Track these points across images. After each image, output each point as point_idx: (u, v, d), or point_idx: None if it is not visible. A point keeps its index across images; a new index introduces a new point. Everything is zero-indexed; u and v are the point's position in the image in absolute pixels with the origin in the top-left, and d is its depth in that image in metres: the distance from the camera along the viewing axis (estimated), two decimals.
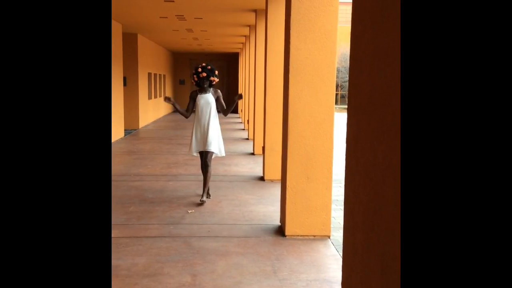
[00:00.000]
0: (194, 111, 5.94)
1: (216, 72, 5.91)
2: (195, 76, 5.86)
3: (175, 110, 5.93)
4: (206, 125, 5.77)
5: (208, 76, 5.81)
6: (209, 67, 5.86)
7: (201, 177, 6.22)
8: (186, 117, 5.95)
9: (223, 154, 5.99)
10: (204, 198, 5.79)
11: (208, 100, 5.81)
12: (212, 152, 5.81)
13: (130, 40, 14.01)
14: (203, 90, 5.87)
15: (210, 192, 6.20)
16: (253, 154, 9.73)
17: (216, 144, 5.80)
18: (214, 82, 5.89)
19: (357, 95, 2.00)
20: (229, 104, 6.04)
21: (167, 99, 5.86)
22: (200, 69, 5.81)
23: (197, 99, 5.84)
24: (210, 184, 6.30)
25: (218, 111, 6.01)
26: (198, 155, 5.95)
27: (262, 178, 7.36)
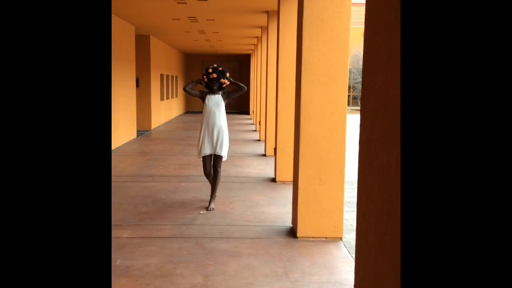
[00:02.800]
0: (201, 112, 5.70)
1: (228, 75, 5.65)
2: (205, 77, 5.58)
3: (193, 83, 5.70)
4: (215, 127, 5.50)
5: (218, 78, 5.53)
6: (220, 68, 5.61)
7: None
8: (183, 88, 5.66)
9: (225, 158, 5.71)
10: (213, 206, 5.59)
11: (217, 102, 5.56)
12: (221, 156, 5.56)
13: (143, 42, 14.11)
14: (213, 92, 5.61)
15: (219, 194, 6.03)
16: (264, 155, 9.73)
17: (226, 148, 5.57)
18: (224, 85, 5.62)
19: (371, 96, 1.99)
20: (234, 86, 5.72)
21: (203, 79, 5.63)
22: (210, 70, 5.55)
23: (206, 100, 5.57)
24: (221, 185, 6.13)
25: (229, 112, 5.89)
26: (201, 158, 5.64)
27: (273, 180, 7.35)
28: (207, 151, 5.53)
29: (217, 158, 5.59)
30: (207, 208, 5.56)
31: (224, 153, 5.54)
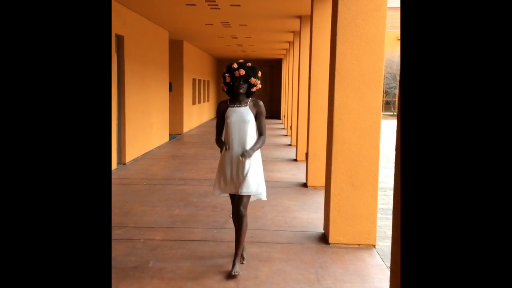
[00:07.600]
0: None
1: (259, 74, 3.89)
2: (227, 75, 3.79)
3: (218, 127, 3.97)
4: (241, 155, 3.74)
5: (247, 75, 3.77)
6: (249, 64, 3.85)
7: None
8: (216, 141, 3.94)
9: (265, 198, 3.97)
10: (237, 269, 3.72)
11: (244, 117, 3.77)
12: (248, 196, 3.78)
13: (176, 47, 14.33)
14: (237, 100, 3.83)
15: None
16: (295, 160, 9.69)
17: (254, 183, 3.74)
18: (255, 88, 3.83)
19: None
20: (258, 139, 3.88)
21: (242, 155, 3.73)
22: (235, 66, 3.79)
23: (226, 114, 3.82)
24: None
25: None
26: (229, 196, 3.94)
27: (305, 185, 7.31)
28: (226, 188, 3.83)
29: (240, 199, 3.77)
30: (233, 273, 3.72)
31: (251, 189, 3.74)
